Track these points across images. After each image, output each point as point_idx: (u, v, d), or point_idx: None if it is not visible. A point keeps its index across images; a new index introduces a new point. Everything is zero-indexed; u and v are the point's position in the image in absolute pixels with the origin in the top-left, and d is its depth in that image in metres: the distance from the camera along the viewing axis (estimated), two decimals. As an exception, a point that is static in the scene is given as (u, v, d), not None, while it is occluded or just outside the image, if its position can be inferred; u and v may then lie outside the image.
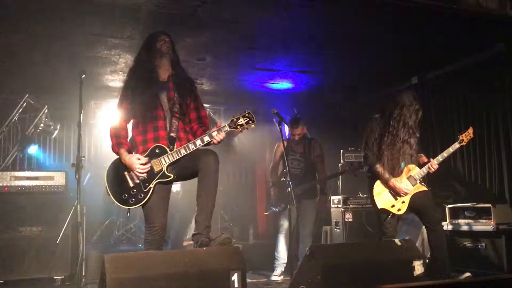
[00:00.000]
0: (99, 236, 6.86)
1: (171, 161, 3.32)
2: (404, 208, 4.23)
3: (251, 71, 6.57)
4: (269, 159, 7.59)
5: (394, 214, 4.23)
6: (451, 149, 4.32)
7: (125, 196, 3.30)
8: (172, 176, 3.34)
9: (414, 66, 6.42)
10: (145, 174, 3.29)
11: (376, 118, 4.37)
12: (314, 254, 3.29)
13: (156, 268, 2.74)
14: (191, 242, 3.40)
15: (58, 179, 5.58)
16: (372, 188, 4.29)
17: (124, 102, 3.46)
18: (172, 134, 3.41)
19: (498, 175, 5.53)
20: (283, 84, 7.17)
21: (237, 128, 3.36)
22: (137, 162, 3.27)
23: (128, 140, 3.46)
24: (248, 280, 3.47)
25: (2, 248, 5.13)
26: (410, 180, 4.25)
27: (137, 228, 6.90)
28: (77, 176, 4.16)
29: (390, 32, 5.14)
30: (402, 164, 4.24)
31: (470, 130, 4.41)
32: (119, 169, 3.34)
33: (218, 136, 3.32)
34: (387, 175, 4.21)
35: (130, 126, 3.54)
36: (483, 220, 5.07)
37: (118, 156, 3.39)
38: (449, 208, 5.43)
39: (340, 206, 6.50)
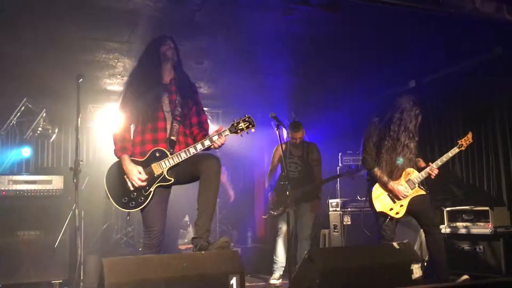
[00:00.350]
0: (97, 240, 6.84)
1: (172, 164, 3.32)
2: (402, 212, 4.24)
3: (249, 75, 6.57)
4: (267, 163, 7.60)
5: (392, 218, 4.24)
6: (450, 154, 4.34)
7: (125, 200, 3.29)
8: (173, 179, 3.34)
9: (412, 70, 6.44)
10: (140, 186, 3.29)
11: (375, 122, 4.39)
12: (312, 258, 3.29)
13: (155, 272, 2.74)
14: (189, 245, 3.40)
15: (56, 183, 5.58)
16: (371, 191, 4.31)
17: (127, 103, 3.45)
18: (172, 137, 3.41)
19: (496, 178, 5.55)
20: (281, 88, 7.18)
21: (237, 132, 3.37)
22: (137, 175, 3.26)
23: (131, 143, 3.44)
24: (247, 284, 3.47)
25: (0, 252, 5.11)
26: (409, 184, 4.26)
27: (136, 232, 6.89)
28: (75, 180, 4.14)
29: (388, 35, 5.16)
30: (400, 159, 4.25)
31: (469, 135, 4.42)
32: (119, 173, 3.32)
33: (219, 140, 3.33)
34: (386, 178, 4.23)
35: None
36: (481, 223, 5.08)
37: (116, 160, 3.38)
38: (447, 211, 5.44)
39: (338, 209, 6.50)
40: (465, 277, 4.24)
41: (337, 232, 6.47)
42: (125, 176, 3.30)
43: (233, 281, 2.85)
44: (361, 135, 4.48)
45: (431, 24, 4.80)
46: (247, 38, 5.19)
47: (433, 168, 4.28)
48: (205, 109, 7.68)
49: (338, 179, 6.67)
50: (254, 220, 8.70)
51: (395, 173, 4.27)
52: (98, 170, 6.39)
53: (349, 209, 6.43)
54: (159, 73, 3.53)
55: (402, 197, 4.21)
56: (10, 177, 5.47)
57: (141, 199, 3.29)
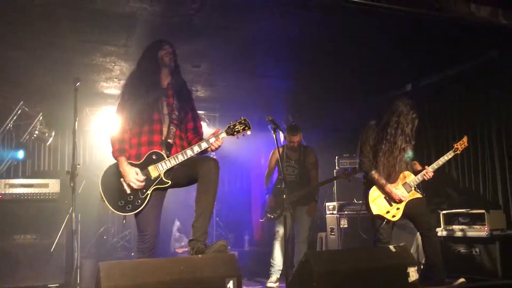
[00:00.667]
0: (94, 244, 6.83)
1: (169, 167, 3.31)
2: (399, 215, 4.25)
3: (246, 78, 6.59)
4: (264, 166, 7.60)
5: (388, 221, 4.24)
6: (446, 157, 4.37)
7: (121, 203, 3.27)
8: (170, 182, 3.34)
9: (408, 73, 6.47)
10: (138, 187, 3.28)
11: (372, 125, 4.40)
12: (309, 261, 3.29)
13: (152, 276, 2.73)
14: (185, 249, 3.39)
15: (53, 186, 5.57)
16: (367, 194, 4.31)
17: (125, 106, 3.45)
18: (169, 140, 3.41)
19: (492, 181, 5.57)
20: (278, 91, 7.19)
21: (234, 135, 3.39)
22: (135, 176, 3.25)
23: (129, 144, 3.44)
24: (244, 287, 3.47)
25: (-4, 256, 5.11)
26: (405, 187, 4.28)
27: (132, 236, 6.87)
28: (72, 184, 4.13)
29: (384, 39, 5.18)
30: (410, 154, 4.27)
31: (465, 139, 4.45)
32: (115, 176, 3.31)
33: (216, 142, 3.34)
34: (383, 181, 4.24)
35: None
36: (477, 226, 5.09)
37: (112, 163, 3.37)
38: (443, 214, 5.45)
39: (335, 212, 6.52)
40: (462, 280, 4.24)
41: (333, 235, 6.47)
42: (122, 179, 3.29)
43: (230, 285, 2.85)
44: (358, 138, 4.49)
45: (427, 28, 4.83)
46: (244, 41, 5.20)
47: (429, 171, 4.30)
48: (202, 112, 7.82)
49: (335, 182, 6.69)
50: (251, 223, 8.71)
51: (392, 176, 4.28)
52: (95, 174, 6.38)
53: (345, 212, 6.44)
54: (156, 77, 3.55)
55: (399, 200, 4.22)
56: (7, 180, 5.47)
57: (138, 202, 3.27)
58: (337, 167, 6.85)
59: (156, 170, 3.30)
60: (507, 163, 5.39)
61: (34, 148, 7.27)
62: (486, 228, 4.98)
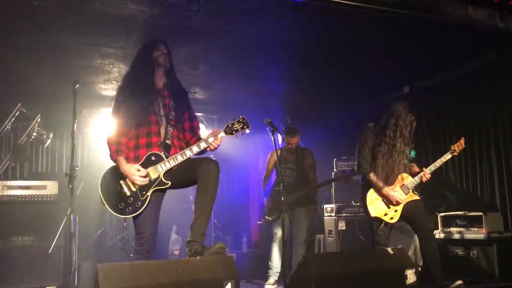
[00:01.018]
0: (92, 246, 6.82)
1: (168, 168, 3.30)
2: (396, 217, 4.26)
3: (244, 80, 6.60)
4: (262, 168, 7.60)
5: (386, 223, 4.25)
6: (443, 159, 4.38)
7: (121, 206, 3.25)
8: (169, 183, 3.32)
9: (405, 76, 6.48)
10: (143, 184, 3.27)
11: (370, 128, 4.41)
12: (307, 263, 3.30)
13: (150, 278, 2.73)
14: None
15: (51, 188, 5.57)
16: (365, 197, 4.32)
17: (120, 108, 3.43)
18: (167, 141, 3.40)
19: (489, 183, 5.58)
20: (276, 93, 7.20)
21: (232, 134, 3.36)
22: (137, 173, 3.23)
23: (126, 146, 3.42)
24: (242, 290, 3.47)
25: (-6, 257, 5.10)
26: (403, 189, 4.29)
27: (130, 237, 6.87)
28: (70, 186, 4.13)
29: (382, 41, 5.19)
30: (413, 153, 4.29)
31: (462, 141, 4.46)
32: (114, 178, 3.29)
33: (215, 142, 3.32)
34: (380, 184, 4.25)
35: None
36: (475, 229, 5.10)
37: (111, 165, 3.36)
38: (441, 217, 5.46)
39: (333, 214, 6.52)
40: (459, 282, 4.25)
41: (332, 237, 6.48)
42: (121, 181, 3.27)
43: (228, 287, 2.85)
44: (356, 140, 4.50)
45: (425, 30, 4.84)
46: (242, 43, 5.21)
47: (426, 173, 4.31)
48: (200, 114, 7.83)
49: (333, 184, 6.70)
50: (249, 225, 8.70)
51: (390, 179, 4.29)
52: (93, 176, 6.39)
53: (344, 214, 6.45)
54: (151, 78, 3.54)
55: (396, 203, 4.23)
56: (5, 182, 5.46)
57: (138, 204, 3.25)
58: (335, 169, 6.85)
59: (155, 172, 3.29)
60: (504, 165, 5.40)
61: (32, 150, 7.25)
62: (483, 231, 4.98)
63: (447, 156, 4.40)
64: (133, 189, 3.27)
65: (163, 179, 3.30)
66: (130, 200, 3.26)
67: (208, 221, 3.31)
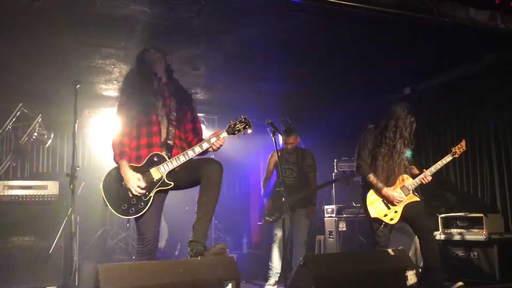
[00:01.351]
0: (93, 246, 6.82)
1: (171, 168, 3.30)
2: (396, 218, 4.26)
3: (245, 81, 6.60)
4: (263, 169, 7.61)
5: (386, 224, 4.26)
6: (444, 161, 4.39)
7: (124, 207, 3.26)
8: (172, 183, 3.32)
9: (407, 77, 6.48)
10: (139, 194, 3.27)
11: (370, 129, 4.43)
12: (308, 264, 3.30)
13: (151, 279, 2.74)
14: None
15: (52, 188, 5.57)
16: (365, 197, 4.33)
17: (123, 109, 3.45)
18: (169, 142, 3.40)
19: (490, 185, 5.58)
20: (277, 94, 7.21)
21: (234, 134, 3.36)
22: (136, 183, 3.23)
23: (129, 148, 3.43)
24: (242, 290, 3.47)
25: (-6, 258, 5.10)
26: (403, 190, 4.29)
27: (131, 238, 6.87)
28: (71, 186, 4.13)
29: (383, 43, 5.20)
30: (409, 152, 4.30)
31: (463, 143, 4.47)
32: (117, 179, 3.30)
33: (217, 142, 3.32)
34: (380, 184, 4.25)
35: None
36: (475, 230, 5.10)
37: (112, 166, 3.37)
38: (442, 218, 5.46)
39: (333, 215, 6.52)
40: (460, 283, 4.25)
41: (332, 238, 6.48)
42: (123, 182, 3.28)
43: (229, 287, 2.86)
44: (356, 141, 4.51)
45: (425, 32, 4.85)
46: (243, 44, 5.21)
47: (427, 175, 4.32)
48: (201, 115, 7.83)
49: (333, 185, 6.70)
50: (250, 226, 8.70)
51: (391, 180, 4.30)
52: (94, 176, 6.41)
53: (344, 215, 6.45)
54: (151, 79, 3.54)
55: (396, 203, 4.23)
56: (5, 182, 5.46)
57: (141, 205, 3.26)
58: (335, 170, 6.86)
59: (158, 172, 3.29)
60: (505, 166, 5.40)
61: (33, 150, 7.26)
62: (484, 232, 4.98)
63: (448, 158, 4.41)
64: None
65: (166, 180, 3.30)
66: (133, 201, 3.27)
67: (210, 222, 3.32)
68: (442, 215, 5.48)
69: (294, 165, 5.72)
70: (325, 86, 6.86)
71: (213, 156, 5.31)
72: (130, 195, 3.26)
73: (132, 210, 3.26)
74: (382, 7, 4.16)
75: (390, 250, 3.73)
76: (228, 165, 8.09)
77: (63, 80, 5.63)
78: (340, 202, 6.59)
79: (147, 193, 3.28)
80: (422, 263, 4.49)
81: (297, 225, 5.54)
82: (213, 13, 4.40)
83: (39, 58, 5.40)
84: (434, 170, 4.35)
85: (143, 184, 3.25)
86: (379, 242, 4.25)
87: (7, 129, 6.41)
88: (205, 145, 3.32)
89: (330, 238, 6.53)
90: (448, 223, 5.42)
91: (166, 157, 3.32)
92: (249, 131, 3.38)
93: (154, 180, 3.29)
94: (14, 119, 6.38)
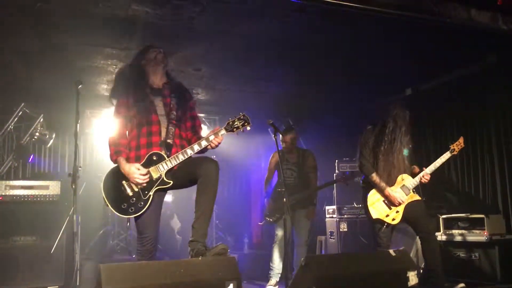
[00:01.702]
0: (93, 246, 6.83)
1: (170, 167, 3.30)
2: (398, 218, 4.26)
3: (246, 81, 6.60)
4: (263, 169, 7.61)
5: (388, 224, 4.25)
6: (442, 159, 4.40)
7: (124, 206, 3.26)
8: (171, 182, 3.32)
9: (408, 78, 6.48)
10: (145, 184, 3.28)
11: (370, 129, 4.45)
12: (309, 265, 3.30)
13: (152, 278, 2.74)
14: None
15: (53, 188, 5.58)
16: (366, 198, 4.33)
17: (121, 109, 3.45)
18: (169, 141, 3.39)
19: (491, 185, 5.57)
20: (278, 94, 7.21)
21: (233, 131, 3.34)
22: (137, 172, 3.24)
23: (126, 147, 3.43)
24: (243, 291, 3.47)
25: (-4, 257, 5.11)
26: (404, 190, 4.30)
27: (132, 238, 6.88)
28: (73, 186, 4.13)
29: (384, 43, 5.20)
30: (406, 151, 4.31)
31: (461, 140, 4.48)
32: (116, 179, 3.30)
33: (216, 140, 3.32)
34: (383, 184, 4.26)
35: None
36: (477, 231, 5.09)
37: (113, 166, 3.38)
38: (443, 219, 5.46)
39: (334, 216, 6.52)
40: (461, 285, 4.26)
41: (333, 238, 6.48)
42: (123, 182, 3.29)
43: (230, 288, 2.86)
44: (357, 142, 4.52)
45: (427, 33, 4.85)
46: (244, 45, 5.22)
47: (425, 174, 4.33)
48: (202, 115, 7.84)
49: (334, 186, 6.70)
50: (251, 226, 8.71)
51: (391, 179, 4.31)
52: (95, 176, 6.41)
53: (345, 216, 6.45)
54: (150, 78, 3.54)
55: (398, 203, 4.24)
56: (7, 182, 5.47)
57: (140, 204, 3.26)
58: (337, 171, 6.86)
59: (157, 171, 3.29)
60: (506, 167, 5.39)
61: (34, 150, 7.27)
62: (485, 233, 4.98)
63: (447, 156, 4.41)
64: (135, 189, 3.28)
65: (165, 179, 3.30)
66: (133, 200, 3.27)
67: (209, 221, 3.31)
68: (444, 216, 5.48)
69: (295, 165, 5.72)
70: (326, 87, 6.86)
71: (214, 156, 5.32)
72: (130, 194, 3.27)
73: (131, 209, 3.26)
74: (383, 7, 4.16)
75: (391, 251, 3.72)
76: (230, 165, 8.17)
77: (65, 80, 5.63)
78: (341, 203, 6.59)
79: (146, 192, 3.28)
80: (423, 264, 4.49)
81: (297, 226, 5.55)
82: (214, 14, 4.40)
83: (41, 59, 5.41)
84: (433, 168, 4.36)
85: (144, 171, 3.25)
86: (380, 243, 4.25)
87: (9, 129, 6.42)
88: (204, 143, 3.31)
89: (331, 238, 6.53)
90: (449, 224, 5.41)
91: (165, 156, 3.32)
92: (248, 128, 3.36)
93: (154, 179, 3.29)
94: (16, 119, 6.40)
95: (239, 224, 8.47)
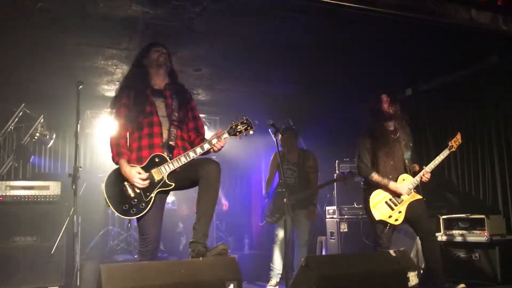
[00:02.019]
0: (94, 246, 6.84)
1: (172, 169, 3.30)
2: (401, 218, 4.25)
3: (247, 82, 6.60)
4: (264, 169, 7.62)
5: (391, 225, 4.24)
6: (441, 156, 4.41)
7: (125, 207, 3.26)
8: (173, 184, 3.33)
9: (408, 78, 6.48)
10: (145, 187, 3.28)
11: (365, 131, 4.46)
12: (309, 265, 3.30)
13: (153, 279, 2.74)
14: None
15: (54, 188, 5.58)
16: (368, 200, 4.32)
17: (121, 110, 3.44)
18: (171, 142, 3.39)
19: (492, 186, 5.57)
20: (279, 95, 7.21)
21: (236, 135, 3.35)
22: (137, 175, 3.24)
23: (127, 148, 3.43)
24: (244, 291, 3.48)
25: (-4, 258, 5.11)
26: (405, 189, 4.30)
27: (132, 238, 6.89)
28: (73, 187, 4.14)
29: (384, 44, 5.20)
30: (408, 154, 4.33)
31: (458, 136, 4.50)
32: (118, 180, 3.30)
33: (218, 143, 3.32)
34: (385, 180, 4.26)
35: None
36: (477, 231, 5.09)
37: (115, 167, 3.37)
38: (443, 219, 5.46)
39: (335, 216, 6.52)
40: (462, 285, 4.25)
41: (333, 239, 6.48)
42: (125, 183, 3.29)
43: (230, 288, 2.86)
44: (356, 143, 4.52)
45: (428, 33, 4.85)
46: (244, 45, 5.22)
47: (425, 172, 4.33)
48: (203, 115, 7.84)
49: (335, 186, 6.70)
50: (251, 226, 8.71)
51: (392, 178, 4.30)
52: (96, 176, 6.42)
53: (346, 216, 6.45)
54: (152, 79, 3.54)
55: (407, 193, 4.22)
56: (7, 182, 5.48)
57: (142, 205, 3.27)
58: (337, 171, 6.86)
59: (159, 173, 3.29)
60: (507, 168, 5.39)
61: (35, 150, 7.28)
62: (486, 233, 4.98)
63: (445, 153, 4.42)
64: (137, 190, 3.28)
65: (167, 181, 3.30)
66: (134, 201, 3.27)
67: (210, 222, 3.32)
68: (444, 217, 5.47)
69: (295, 165, 5.73)
70: (327, 87, 6.86)
71: (214, 156, 5.32)
72: (132, 195, 3.27)
73: (133, 211, 3.26)
74: (383, 8, 4.16)
75: (391, 251, 3.72)
76: (230, 166, 8.17)
77: (66, 80, 5.64)
78: (341, 203, 6.59)
79: (148, 194, 3.28)
80: (424, 265, 4.49)
81: (298, 226, 5.55)
82: (214, 14, 4.40)
83: (41, 59, 5.41)
84: (433, 166, 4.36)
85: (144, 175, 3.26)
86: (381, 244, 4.25)
87: (9, 129, 6.44)
88: (206, 146, 3.31)
89: (331, 239, 6.53)
90: (450, 225, 5.41)
91: (168, 158, 3.32)
92: (251, 132, 3.37)
93: (155, 181, 3.29)
94: (16, 120, 6.41)
95: (240, 224, 8.48)
